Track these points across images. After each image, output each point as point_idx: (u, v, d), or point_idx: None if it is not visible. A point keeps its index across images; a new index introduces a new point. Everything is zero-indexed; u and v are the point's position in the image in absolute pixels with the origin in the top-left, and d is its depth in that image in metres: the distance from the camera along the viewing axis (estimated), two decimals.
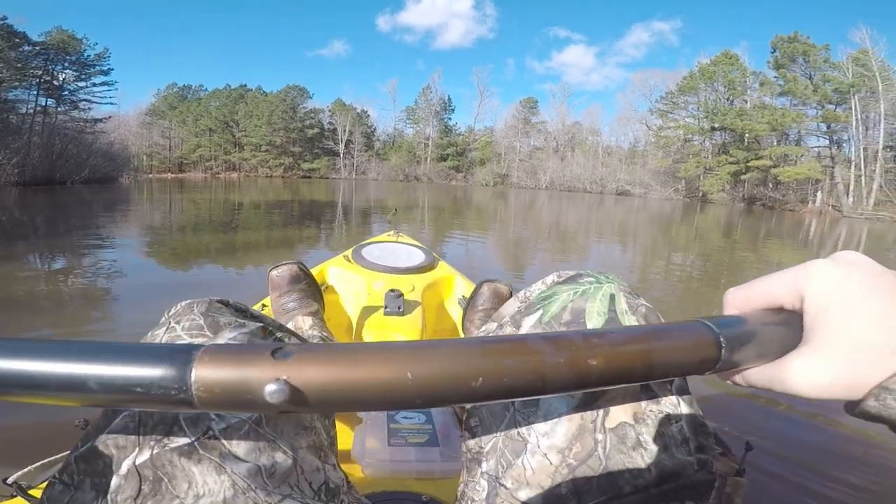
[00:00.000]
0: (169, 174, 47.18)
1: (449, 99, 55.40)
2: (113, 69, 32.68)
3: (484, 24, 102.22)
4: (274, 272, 1.31)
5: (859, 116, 28.58)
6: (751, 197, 32.38)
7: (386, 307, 1.31)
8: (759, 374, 0.33)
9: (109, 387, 0.26)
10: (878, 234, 15.16)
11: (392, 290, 1.35)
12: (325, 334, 1.11)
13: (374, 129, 57.39)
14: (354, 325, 1.28)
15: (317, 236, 8.00)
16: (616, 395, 0.45)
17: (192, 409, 0.27)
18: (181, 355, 0.26)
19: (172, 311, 0.50)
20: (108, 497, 0.36)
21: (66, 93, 30.24)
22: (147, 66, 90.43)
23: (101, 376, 0.26)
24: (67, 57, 29.76)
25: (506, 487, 0.45)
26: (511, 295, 1.28)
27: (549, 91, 69.91)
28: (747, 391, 2.17)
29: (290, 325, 1.17)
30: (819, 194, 29.33)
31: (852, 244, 11.44)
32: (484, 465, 0.48)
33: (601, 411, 0.44)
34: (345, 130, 51.63)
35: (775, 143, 32.92)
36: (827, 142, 31.33)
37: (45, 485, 0.38)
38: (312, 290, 1.33)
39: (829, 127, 30.49)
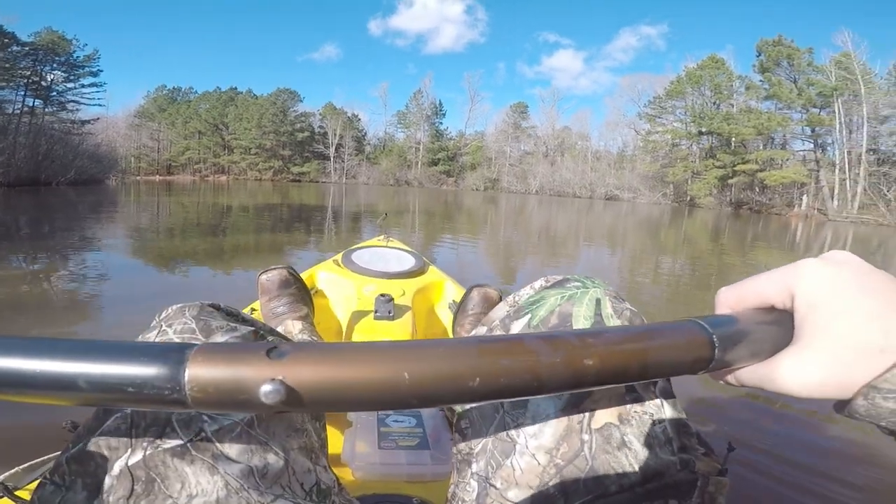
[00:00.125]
0: (157, 176, 46.87)
1: (440, 103, 55.50)
2: (102, 70, 32.47)
3: (475, 29, 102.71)
4: (263, 276, 1.30)
5: (843, 120, 28.93)
6: (738, 201, 32.67)
7: (376, 311, 1.31)
8: (750, 374, 0.33)
9: (100, 386, 0.26)
10: (862, 238, 15.39)
11: (382, 295, 1.35)
12: (315, 338, 1.11)
13: (365, 133, 57.33)
14: (344, 330, 1.28)
15: (306, 241, 7.97)
16: (602, 397, 0.46)
17: (186, 409, 0.27)
18: (174, 354, 0.26)
19: (164, 315, 0.50)
20: (101, 497, 0.36)
21: (55, 94, 29.98)
22: (137, 67, 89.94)
23: (92, 375, 0.25)
24: (56, 58, 29.50)
25: (495, 488, 0.46)
26: (501, 299, 1.28)
27: (539, 96, 70.56)
28: (731, 391, 2.20)
29: (279, 329, 1.17)
30: (805, 198, 29.69)
31: (838, 247, 11.44)
32: (474, 466, 0.49)
33: (587, 413, 0.45)
34: (335, 134, 51.51)
35: (761, 147, 33.29)
36: (812, 145, 31.76)
37: (33, 485, 0.39)
38: (302, 295, 1.33)
39: (813, 130, 30.89)
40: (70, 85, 31.05)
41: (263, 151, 49.91)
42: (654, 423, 0.45)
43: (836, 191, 28.52)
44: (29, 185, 20.53)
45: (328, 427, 0.60)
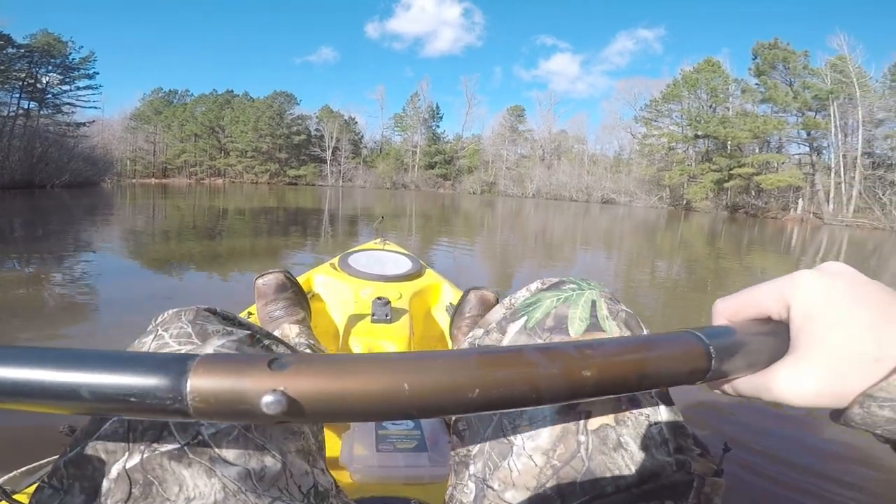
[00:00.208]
0: (153, 179, 46.71)
1: (437, 107, 55.61)
2: (98, 73, 32.42)
3: (472, 32, 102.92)
4: (260, 280, 1.30)
5: (838, 123, 28.96)
6: (734, 205, 32.74)
7: (373, 315, 1.30)
8: (747, 384, 0.33)
9: (102, 396, 0.26)
10: (857, 241, 15.43)
11: (379, 298, 1.35)
12: (312, 342, 1.11)
13: (362, 137, 57.28)
14: (341, 333, 1.28)
15: (302, 244, 7.96)
16: (598, 399, 0.44)
17: (187, 419, 0.27)
18: (176, 365, 0.26)
19: (160, 320, 0.50)
20: (99, 501, 0.36)
21: (50, 96, 29.90)
22: (133, 70, 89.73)
23: (94, 385, 0.26)
24: (52, 60, 29.44)
25: (493, 489, 0.46)
26: (497, 302, 1.28)
27: (536, 99, 70.35)
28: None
29: (276, 333, 1.17)
30: (800, 202, 29.72)
31: (833, 251, 11.64)
32: (471, 467, 0.49)
33: (583, 414, 0.46)
34: (332, 137, 51.42)
35: (757, 151, 33.37)
36: (807, 149, 31.79)
37: (30, 489, 0.40)
38: (299, 298, 1.33)
39: (809, 134, 30.95)
40: (65, 87, 31.07)
41: (259, 154, 49.81)
42: (650, 425, 0.46)
43: (832, 194, 28.56)
44: (23, 187, 20.42)
45: (326, 430, 0.60)
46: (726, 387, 0.35)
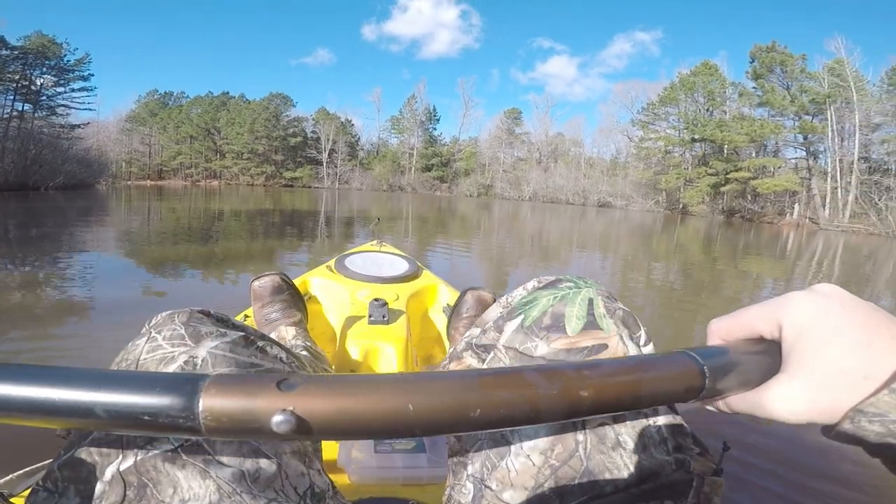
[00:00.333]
0: (148, 181, 46.54)
1: (434, 109, 55.56)
2: (93, 75, 32.23)
3: (470, 34, 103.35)
4: (256, 283, 1.30)
5: (835, 127, 28.89)
6: (730, 209, 32.68)
7: (370, 316, 1.30)
8: (740, 401, 0.34)
9: (117, 414, 0.27)
10: (853, 247, 15.43)
11: (376, 300, 1.34)
12: (309, 344, 1.10)
13: (358, 139, 57.21)
14: (338, 335, 1.27)
15: (299, 246, 7.94)
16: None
17: (199, 436, 0.28)
18: (188, 385, 0.27)
19: (153, 322, 0.51)
20: (93, 503, 0.36)
21: (44, 98, 29.74)
22: (128, 72, 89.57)
23: (109, 404, 0.27)
24: (47, 62, 29.27)
25: (491, 489, 0.46)
26: (495, 302, 1.28)
27: (533, 102, 70.81)
28: None
29: (273, 336, 1.16)
30: (796, 206, 29.66)
31: (828, 256, 11.67)
32: (469, 468, 0.49)
33: None
34: (328, 139, 51.39)
35: (754, 155, 33.35)
36: (804, 153, 31.76)
37: (27, 493, 0.39)
38: (295, 301, 1.33)
39: (805, 138, 30.86)
40: (60, 89, 30.84)
41: (256, 156, 49.72)
42: (648, 424, 0.46)
43: (828, 199, 28.52)
44: (17, 189, 20.33)
45: None
46: (720, 404, 0.36)
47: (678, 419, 0.47)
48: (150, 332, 0.48)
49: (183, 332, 0.48)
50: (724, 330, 0.37)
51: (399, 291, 1.56)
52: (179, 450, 0.38)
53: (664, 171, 37.50)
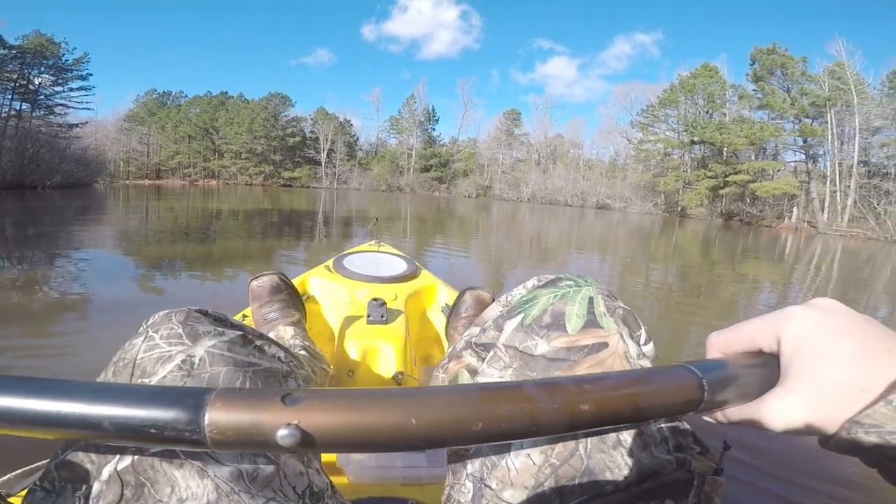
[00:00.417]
0: (146, 181, 46.46)
1: (433, 109, 55.57)
2: (92, 74, 32.18)
3: (470, 35, 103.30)
4: (254, 283, 1.29)
5: (835, 131, 28.68)
6: (728, 212, 32.61)
7: (369, 316, 1.29)
8: (738, 413, 0.35)
9: (124, 427, 0.27)
10: (851, 251, 15.39)
11: (375, 299, 1.33)
12: (308, 343, 1.10)
13: (357, 139, 57.18)
14: (336, 335, 1.27)
15: (297, 246, 7.92)
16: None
17: (204, 449, 0.28)
18: (192, 399, 0.28)
19: (150, 321, 0.51)
20: (91, 503, 0.36)
21: (42, 97, 29.69)
22: (127, 72, 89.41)
23: (115, 416, 0.27)
24: (45, 61, 29.22)
25: (490, 488, 0.46)
26: (493, 301, 1.27)
27: (532, 103, 70.66)
28: None
29: (271, 335, 1.15)
30: (795, 210, 29.58)
31: (826, 261, 11.68)
32: (469, 467, 0.49)
33: None
34: (327, 139, 51.36)
35: (753, 158, 33.23)
36: (803, 156, 31.61)
37: (24, 493, 0.39)
38: (294, 300, 1.32)
39: (805, 141, 30.70)
40: (58, 89, 30.78)
41: (254, 156, 49.68)
42: (649, 423, 0.45)
43: (827, 203, 28.33)
44: (14, 188, 20.27)
45: None
46: (718, 415, 0.36)
47: (679, 419, 0.47)
48: (148, 332, 0.48)
49: (180, 331, 0.48)
50: (723, 343, 0.37)
51: (397, 291, 1.56)
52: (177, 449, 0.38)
53: (663, 173, 37.42)
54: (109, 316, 3.31)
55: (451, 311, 1.34)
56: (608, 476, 0.44)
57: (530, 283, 0.59)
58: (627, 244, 12.58)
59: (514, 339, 0.52)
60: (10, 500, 0.45)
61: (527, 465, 0.45)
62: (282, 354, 0.64)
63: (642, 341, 0.52)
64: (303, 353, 0.98)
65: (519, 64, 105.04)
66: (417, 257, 2.57)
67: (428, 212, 20.86)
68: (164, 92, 53.58)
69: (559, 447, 0.45)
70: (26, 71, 28.30)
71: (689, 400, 0.33)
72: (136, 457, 0.37)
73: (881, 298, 6.49)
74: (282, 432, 0.26)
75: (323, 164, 51.47)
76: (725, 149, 33.50)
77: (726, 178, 32.35)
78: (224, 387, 0.31)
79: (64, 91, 31.13)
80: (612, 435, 0.45)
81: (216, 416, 0.27)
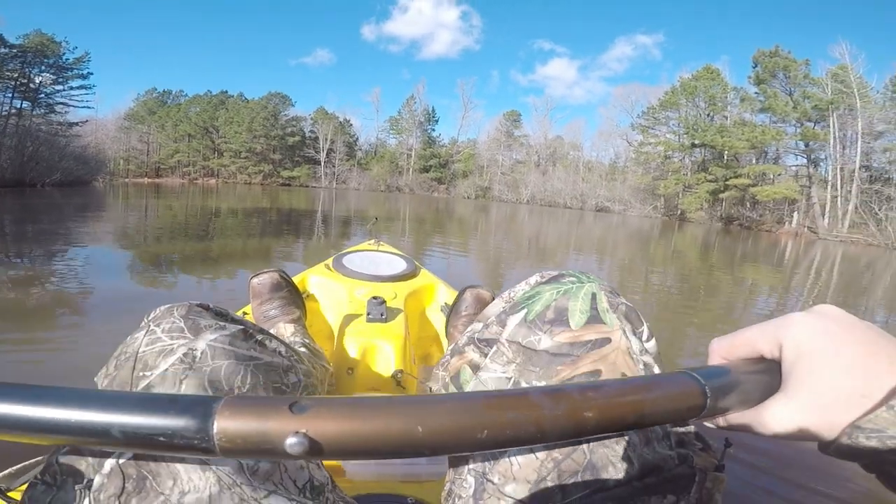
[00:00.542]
0: (146, 179, 46.48)
1: (433, 110, 55.50)
2: (92, 73, 32.19)
3: (470, 35, 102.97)
4: (255, 280, 1.29)
5: (837, 135, 28.36)
6: (728, 216, 32.38)
7: (368, 314, 1.29)
8: (740, 419, 0.35)
9: (133, 435, 0.28)
10: (851, 257, 15.32)
11: (374, 298, 1.34)
12: (308, 341, 1.10)
13: (357, 139, 57.16)
14: (336, 332, 1.27)
15: (296, 245, 7.93)
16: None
17: (214, 457, 0.28)
18: (201, 407, 0.28)
19: (152, 315, 0.51)
20: (92, 496, 0.36)
21: (43, 96, 29.70)
22: (128, 70, 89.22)
23: (126, 425, 0.28)
24: (45, 60, 29.24)
25: (493, 483, 0.46)
26: (493, 300, 1.27)
27: (532, 104, 70.38)
28: None
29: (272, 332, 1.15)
30: (795, 215, 29.32)
31: (826, 266, 11.67)
32: (470, 461, 0.49)
33: None
34: (326, 139, 51.32)
35: (754, 162, 33.01)
36: (804, 161, 31.35)
37: (24, 487, 0.39)
38: (294, 298, 1.32)
39: (807, 145, 30.46)
40: (59, 87, 30.82)
41: (253, 155, 49.67)
42: None
43: (828, 208, 28.08)
44: (13, 186, 20.25)
45: None
46: (720, 420, 0.37)
47: None
48: (149, 326, 0.49)
49: (182, 324, 0.48)
50: (725, 349, 0.38)
51: (397, 290, 1.56)
52: None
53: (663, 176, 37.28)
54: (107, 312, 3.31)
55: (451, 310, 1.34)
56: (611, 470, 0.44)
57: (533, 280, 0.58)
58: (626, 247, 12.60)
59: (518, 335, 0.51)
60: (10, 494, 0.45)
61: (529, 459, 0.45)
62: (282, 349, 0.64)
63: (645, 338, 0.52)
64: (303, 350, 0.98)
65: (519, 65, 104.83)
66: (416, 257, 2.57)
67: (427, 212, 20.87)
68: (164, 91, 53.65)
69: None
70: (27, 69, 28.33)
71: (692, 406, 0.33)
72: None
73: (880, 306, 6.47)
74: (290, 440, 0.26)
75: (322, 164, 51.43)
76: (726, 152, 33.27)
77: (727, 182, 32.13)
78: (231, 395, 0.31)
79: (64, 90, 31.19)
80: None
81: (224, 425, 0.27)
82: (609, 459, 0.44)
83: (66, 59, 30.69)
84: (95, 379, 0.49)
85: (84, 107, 33.85)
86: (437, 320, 1.63)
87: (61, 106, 31.01)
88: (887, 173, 27.91)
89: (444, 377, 0.62)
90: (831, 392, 0.30)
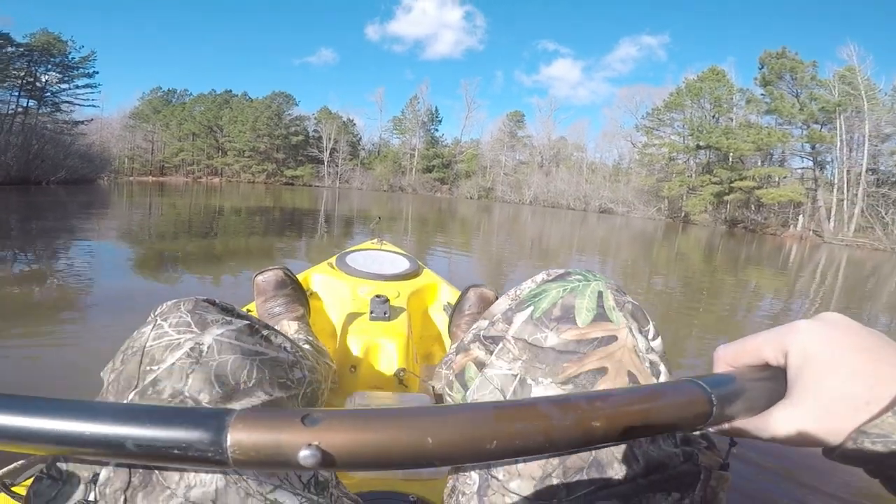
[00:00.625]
0: (150, 177, 46.71)
1: (436, 110, 55.56)
2: (98, 72, 32.38)
3: (474, 36, 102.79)
4: (259, 277, 1.30)
5: (844, 137, 27.91)
6: (732, 219, 32.09)
7: (372, 312, 1.29)
8: (745, 425, 0.35)
9: (148, 448, 0.28)
10: (856, 262, 15.17)
11: (378, 296, 1.34)
12: (311, 338, 1.10)
13: (360, 138, 57.27)
14: (339, 331, 1.27)
15: (299, 244, 7.93)
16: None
17: (227, 469, 0.29)
18: (214, 420, 0.28)
19: (159, 310, 0.51)
20: (97, 489, 0.36)
21: (49, 94, 29.87)
22: (133, 69, 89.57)
23: (140, 438, 0.28)
24: (52, 59, 29.43)
25: (497, 479, 0.46)
26: (497, 299, 1.27)
27: (536, 105, 70.02)
28: None
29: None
30: (801, 218, 28.94)
31: (831, 271, 11.60)
32: None
33: None
34: (330, 138, 51.44)
35: (759, 164, 32.67)
36: (811, 163, 30.89)
37: (29, 482, 0.40)
38: (298, 295, 1.32)
39: (813, 148, 30.03)
40: (64, 86, 31.02)
41: (257, 154, 49.87)
42: None
43: (833, 212, 27.67)
44: (18, 183, 20.34)
45: None
46: (726, 427, 0.37)
47: None
48: (156, 320, 0.49)
49: (189, 319, 0.49)
50: (731, 356, 0.38)
51: (400, 289, 1.56)
52: None
53: (667, 178, 37.06)
54: (110, 309, 3.31)
55: (455, 309, 1.34)
56: (616, 468, 0.44)
57: (539, 278, 0.59)
58: (629, 249, 12.58)
59: (524, 332, 0.51)
60: (14, 489, 0.45)
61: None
62: (287, 345, 0.64)
63: (651, 336, 0.52)
64: (307, 347, 0.98)
65: (523, 65, 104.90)
66: (419, 256, 2.58)
67: (430, 212, 20.88)
68: (168, 90, 53.93)
69: None
70: (33, 68, 28.50)
71: (699, 414, 0.33)
72: None
73: (885, 312, 6.42)
74: (304, 453, 0.27)
75: (325, 164, 51.56)
76: (731, 154, 32.88)
77: (731, 184, 31.82)
78: (245, 408, 0.31)
79: (70, 88, 31.44)
80: None
81: (238, 437, 0.27)
82: (614, 457, 0.44)
83: (73, 58, 30.96)
84: (102, 373, 0.49)
85: (89, 105, 34.24)
86: (440, 319, 1.63)
87: (67, 104, 31.31)
88: (894, 177, 27.44)
89: (448, 375, 0.62)
90: (837, 398, 0.31)
